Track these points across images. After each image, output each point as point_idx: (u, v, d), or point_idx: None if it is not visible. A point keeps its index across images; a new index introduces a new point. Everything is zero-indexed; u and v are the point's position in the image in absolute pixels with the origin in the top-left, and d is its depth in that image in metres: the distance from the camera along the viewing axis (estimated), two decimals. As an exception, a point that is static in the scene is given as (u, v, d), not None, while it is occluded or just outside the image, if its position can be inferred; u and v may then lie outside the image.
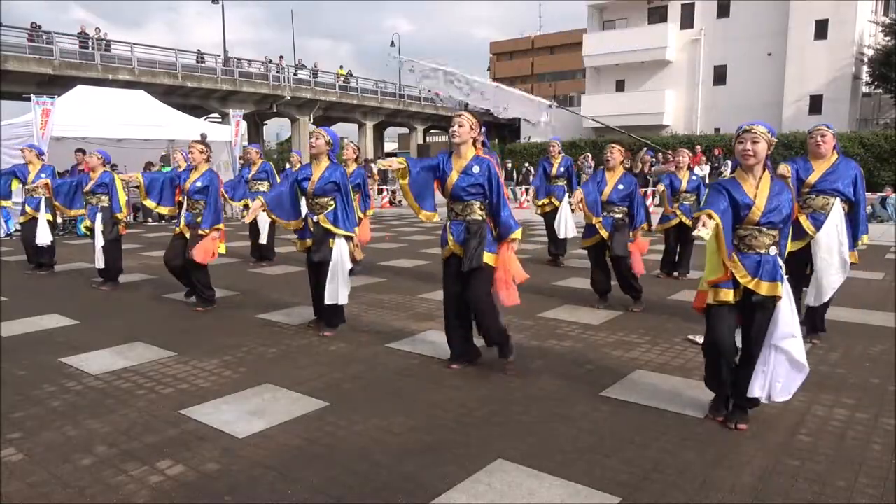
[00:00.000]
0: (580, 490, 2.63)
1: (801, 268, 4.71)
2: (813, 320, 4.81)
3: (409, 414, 3.46)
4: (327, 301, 4.90)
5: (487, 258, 4.06)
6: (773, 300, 3.12)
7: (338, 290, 4.89)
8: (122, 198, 7.27)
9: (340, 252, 4.91)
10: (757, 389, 3.15)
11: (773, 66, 29.29)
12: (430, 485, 2.69)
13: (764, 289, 3.11)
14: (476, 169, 4.06)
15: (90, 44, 24.71)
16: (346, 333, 5.12)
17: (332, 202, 4.96)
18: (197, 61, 28.31)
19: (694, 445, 3.04)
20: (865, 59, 28.07)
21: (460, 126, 4.09)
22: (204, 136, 8.39)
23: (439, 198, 4.25)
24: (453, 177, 4.10)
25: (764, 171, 3.17)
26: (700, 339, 4.74)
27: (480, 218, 4.11)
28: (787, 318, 3.11)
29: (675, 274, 7.61)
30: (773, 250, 3.16)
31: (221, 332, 5.25)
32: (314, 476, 2.78)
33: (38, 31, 23.94)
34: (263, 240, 8.83)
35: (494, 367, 4.23)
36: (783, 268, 3.17)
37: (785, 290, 3.12)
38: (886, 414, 3.39)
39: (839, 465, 2.83)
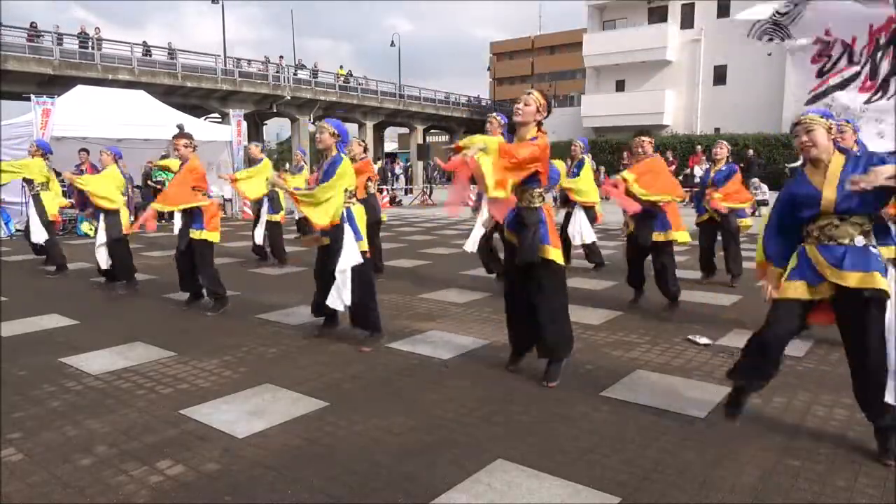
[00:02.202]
0: (580, 490, 2.63)
1: None
2: None
3: (409, 414, 3.45)
4: (332, 305, 4.66)
5: (549, 252, 3.76)
6: (871, 295, 2.76)
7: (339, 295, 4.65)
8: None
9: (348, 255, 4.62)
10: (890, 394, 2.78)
11: (773, 66, 29.28)
12: (430, 485, 2.69)
13: (852, 280, 2.78)
14: None
15: (90, 44, 24.69)
16: (346, 333, 5.12)
17: None
18: (141, 54, 27.04)
19: (694, 445, 3.04)
20: (865, 59, 28.08)
21: (526, 105, 3.73)
22: (181, 127, 8.21)
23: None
24: None
25: (834, 154, 2.90)
26: (700, 340, 4.77)
27: (538, 205, 3.79)
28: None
29: (730, 278, 7.09)
30: (861, 240, 2.83)
31: (221, 332, 5.25)
32: (314, 476, 2.78)
33: (38, 31, 23.91)
34: (258, 240, 8.75)
35: (494, 367, 4.23)
36: (881, 258, 2.84)
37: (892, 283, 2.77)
38: (886, 414, 3.38)
39: (839, 465, 2.83)
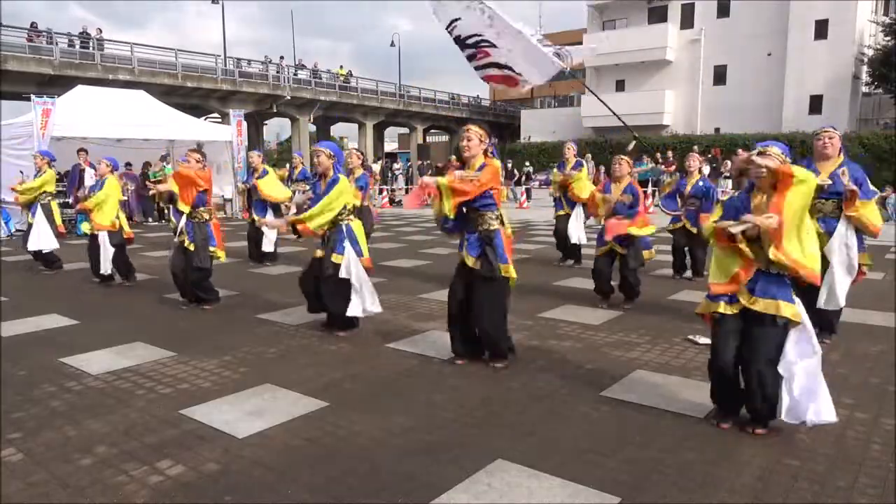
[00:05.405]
0: (580, 490, 2.63)
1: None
2: (823, 322, 4.70)
3: (409, 414, 3.46)
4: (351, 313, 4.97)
5: (507, 270, 4.15)
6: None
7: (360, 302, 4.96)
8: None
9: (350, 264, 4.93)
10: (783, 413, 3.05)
11: (773, 66, 29.28)
12: (430, 485, 2.69)
13: (759, 305, 3.07)
14: None
15: (90, 44, 24.66)
16: (346, 333, 5.11)
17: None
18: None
19: (694, 445, 3.04)
20: (865, 59, 28.06)
21: (469, 141, 4.15)
22: (200, 145, 8.40)
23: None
24: None
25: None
26: (700, 340, 4.77)
27: (496, 227, 4.17)
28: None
29: (689, 276, 7.43)
30: (774, 268, 3.10)
31: (221, 332, 5.25)
32: (314, 476, 2.78)
33: (39, 32, 23.88)
34: (269, 247, 8.84)
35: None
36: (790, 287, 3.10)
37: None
38: (886, 414, 3.39)
39: (839, 465, 2.83)
